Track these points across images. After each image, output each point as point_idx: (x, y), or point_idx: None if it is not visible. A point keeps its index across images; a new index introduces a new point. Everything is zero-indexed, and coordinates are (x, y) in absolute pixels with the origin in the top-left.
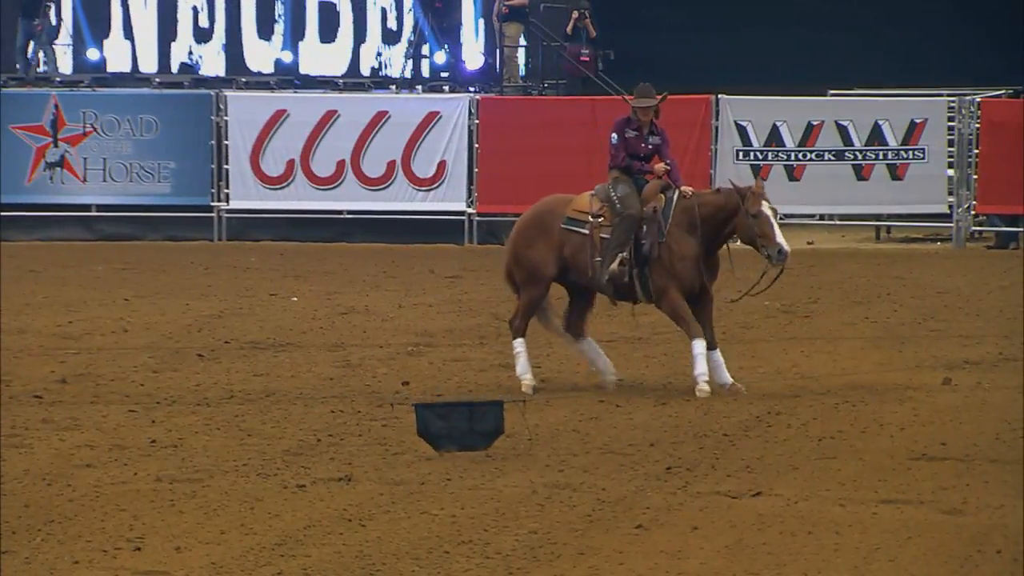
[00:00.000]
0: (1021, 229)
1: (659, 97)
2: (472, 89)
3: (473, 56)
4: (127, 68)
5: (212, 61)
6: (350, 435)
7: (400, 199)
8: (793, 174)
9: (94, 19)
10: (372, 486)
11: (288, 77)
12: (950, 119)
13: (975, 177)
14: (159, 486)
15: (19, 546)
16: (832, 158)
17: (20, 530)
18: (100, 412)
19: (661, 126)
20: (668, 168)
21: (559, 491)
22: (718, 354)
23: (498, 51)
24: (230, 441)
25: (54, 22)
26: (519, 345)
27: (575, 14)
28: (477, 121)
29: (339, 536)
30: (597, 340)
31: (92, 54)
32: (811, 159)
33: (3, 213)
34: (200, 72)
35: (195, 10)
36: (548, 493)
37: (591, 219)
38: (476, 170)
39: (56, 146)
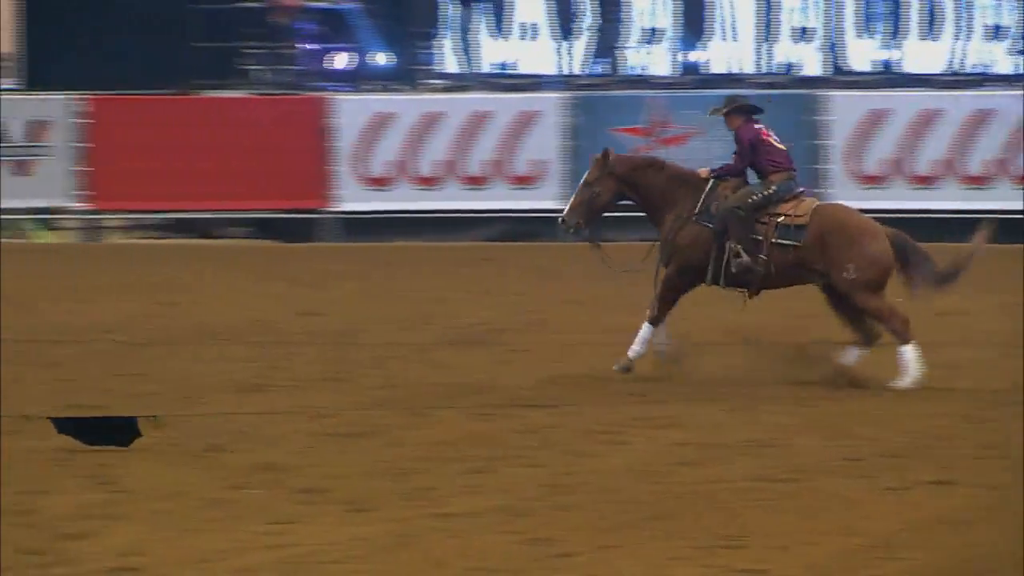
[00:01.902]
0: None
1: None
2: None
3: None
4: (726, 69)
5: (811, 61)
6: (951, 437)
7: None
8: None
9: (692, 20)
10: (971, 490)
11: (888, 75)
12: None
13: None
14: (757, 485)
15: (623, 540)
16: None
17: (623, 526)
18: (696, 410)
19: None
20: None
21: None
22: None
23: None
24: (827, 441)
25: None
26: None
27: None
28: None
29: (939, 540)
30: None
31: (694, 55)
32: None
33: None
34: (800, 72)
35: (794, 10)
36: None
37: None
38: None
39: (657, 148)
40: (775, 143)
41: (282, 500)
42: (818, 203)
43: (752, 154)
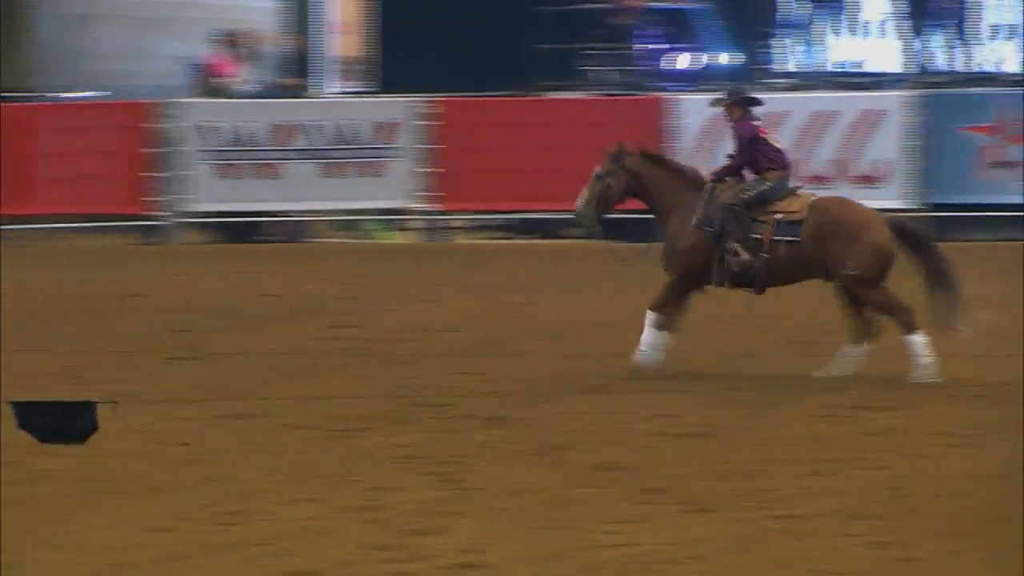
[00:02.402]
0: None
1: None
2: None
3: None
4: None
5: None
6: None
7: None
8: None
9: None
10: None
11: None
12: None
13: None
14: None
15: (967, 546)
16: None
17: (968, 531)
18: None
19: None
20: None
21: None
22: None
23: None
24: None
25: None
26: None
27: None
28: None
29: None
30: None
31: None
32: None
33: (944, 214)
34: None
35: None
36: None
37: None
38: None
39: (1003, 146)
40: (772, 141)
41: (623, 500)
42: (815, 197)
43: (750, 151)
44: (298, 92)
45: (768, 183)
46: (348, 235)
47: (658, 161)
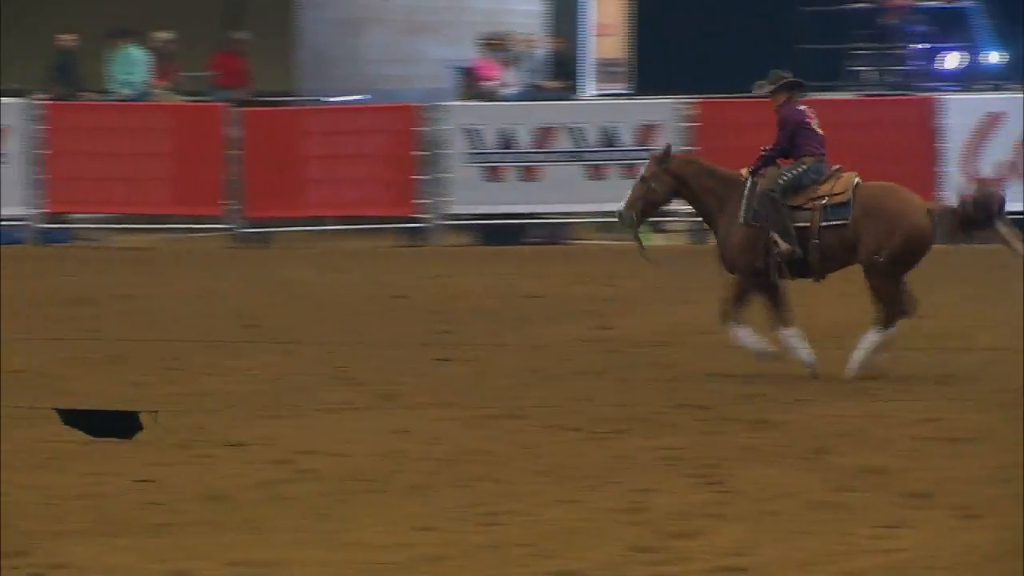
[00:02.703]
0: None
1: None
2: None
3: None
4: None
5: None
6: None
7: None
8: None
9: None
10: None
11: None
12: None
13: None
14: None
15: None
16: None
17: None
18: None
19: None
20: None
21: None
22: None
23: None
24: None
25: None
26: None
27: None
28: None
29: None
30: None
31: None
32: None
33: None
34: None
35: None
36: None
37: None
38: None
39: None
40: (815, 128)
41: (889, 504)
42: (858, 178)
43: (793, 137)
44: (564, 95)
45: (803, 166)
46: (610, 237)
47: (701, 165)
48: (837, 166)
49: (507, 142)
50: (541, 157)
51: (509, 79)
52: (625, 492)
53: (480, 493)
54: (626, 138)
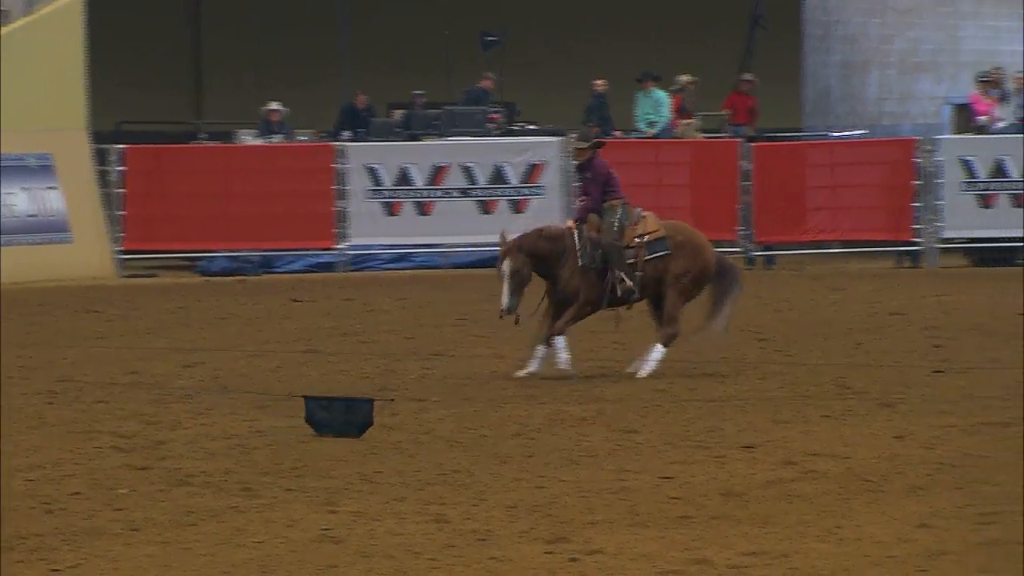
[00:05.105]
0: None
1: (592, 142)
2: None
3: None
4: None
5: None
6: None
7: None
8: None
9: None
10: None
11: None
12: None
13: None
14: None
15: None
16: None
17: None
18: None
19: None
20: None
21: None
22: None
23: None
24: None
25: None
26: None
27: None
28: None
29: None
30: None
31: None
32: None
33: None
34: None
35: None
36: None
37: None
38: None
39: None
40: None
41: None
42: (652, 216)
43: (605, 185)
44: None
45: (619, 210)
46: None
47: (535, 233)
48: (638, 208)
49: (999, 172)
50: None
51: (1001, 114)
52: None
53: (975, 495)
54: None
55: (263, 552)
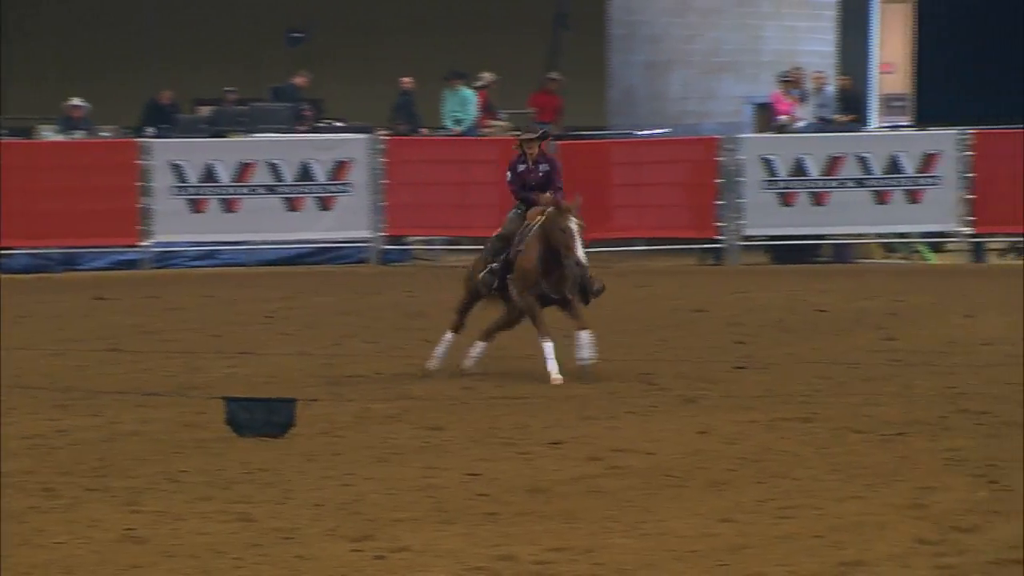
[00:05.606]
0: None
1: (540, 132)
2: None
3: None
4: None
5: None
6: None
7: None
8: None
9: None
10: None
11: None
12: None
13: None
14: None
15: None
16: None
17: None
18: None
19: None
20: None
21: None
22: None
23: None
24: None
25: None
26: None
27: None
28: None
29: None
30: None
31: None
32: None
33: None
34: None
35: None
36: None
37: None
38: None
39: None
40: None
41: None
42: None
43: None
44: (853, 127)
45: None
46: (894, 256)
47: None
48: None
49: (799, 170)
50: (830, 184)
51: (801, 113)
52: (909, 489)
53: (776, 489)
54: (909, 166)
55: (65, 553)
